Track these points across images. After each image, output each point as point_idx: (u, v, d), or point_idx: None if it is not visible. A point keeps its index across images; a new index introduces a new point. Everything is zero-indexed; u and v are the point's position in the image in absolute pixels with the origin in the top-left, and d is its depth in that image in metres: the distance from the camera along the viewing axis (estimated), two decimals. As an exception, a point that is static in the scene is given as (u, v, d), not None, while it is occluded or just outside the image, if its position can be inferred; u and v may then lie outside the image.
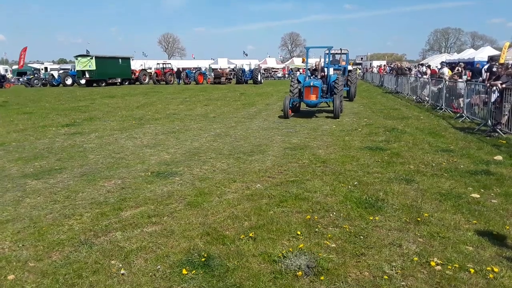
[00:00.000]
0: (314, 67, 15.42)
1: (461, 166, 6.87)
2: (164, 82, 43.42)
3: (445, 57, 44.17)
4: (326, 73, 15.10)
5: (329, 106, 16.30)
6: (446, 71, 19.84)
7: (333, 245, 3.93)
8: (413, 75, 23.62)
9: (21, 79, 49.76)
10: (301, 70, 63.84)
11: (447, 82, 15.21)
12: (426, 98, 17.93)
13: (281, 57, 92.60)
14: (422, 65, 31.65)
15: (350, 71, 22.02)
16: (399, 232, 4.25)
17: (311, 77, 14.71)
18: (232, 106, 18.09)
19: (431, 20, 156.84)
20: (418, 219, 4.57)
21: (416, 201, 5.17)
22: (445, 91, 15.05)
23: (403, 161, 7.24)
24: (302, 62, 20.43)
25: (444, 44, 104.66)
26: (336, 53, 23.37)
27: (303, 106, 15.25)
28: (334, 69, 20.39)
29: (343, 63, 22.75)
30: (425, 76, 20.25)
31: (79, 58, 38.58)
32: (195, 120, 13.50)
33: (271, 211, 4.87)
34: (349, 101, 19.58)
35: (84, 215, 4.80)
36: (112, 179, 6.34)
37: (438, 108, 15.27)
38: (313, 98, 13.57)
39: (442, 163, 7.08)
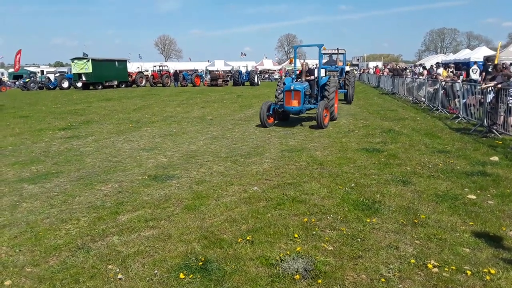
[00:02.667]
0: (302, 69, 13.61)
1: (458, 167, 6.89)
2: (161, 85, 43.42)
3: (441, 57, 44.34)
4: (316, 75, 13.29)
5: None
6: (441, 71, 19.95)
7: (330, 248, 3.94)
8: (409, 76, 23.73)
9: (17, 83, 49.61)
10: (297, 71, 63.99)
11: (443, 83, 15.27)
12: (423, 99, 17.99)
13: (278, 59, 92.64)
14: (420, 65, 31.74)
15: (347, 72, 20.94)
16: (396, 234, 4.26)
17: (298, 80, 13.04)
18: (229, 108, 18.10)
19: (426, 20, 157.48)
20: (415, 221, 4.59)
21: (413, 202, 5.18)
22: (441, 92, 15.11)
23: (400, 163, 7.26)
24: (290, 63, 17.51)
25: (440, 45, 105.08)
26: (333, 53, 22.09)
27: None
28: (330, 71, 19.61)
29: (340, 64, 21.33)
30: (421, 77, 20.31)
31: (75, 61, 38.49)
32: (192, 122, 13.50)
33: (268, 214, 4.88)
34: (347, 104, 19.11)
35: (81, 220, 4.80)
36: (109, 183, 6.33)
37: (435, 109, 15.32)
38: (294, 104, 11.91)
39: (438, 164, 7.11)
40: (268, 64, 68.32)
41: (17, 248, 4.08)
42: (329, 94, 12.77)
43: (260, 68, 60.76)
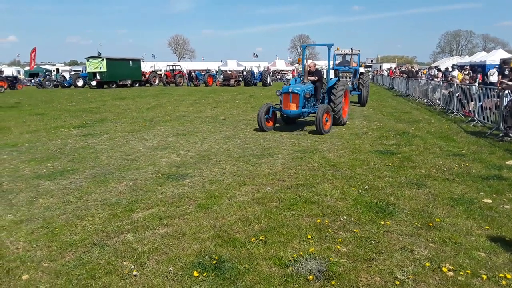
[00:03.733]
0: (309, 69, 12.64)
1: (473, 171, 6.81)
2: (173, 84, 43.68)
3: (457, 60, 43.77)
4: (323, 76, 12.54)
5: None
6: (456, 73, 19.70)
7: (344, 250, 3.93)
8: (423, 78, 23.48)
9: (32, 81, 50.42)
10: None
11: (458, 85, 15.09)
12: (437, 101, 17.80)
13: (290, 59, 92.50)
14: (435, 67, 31.36)
15: (362, 73, 20.27)
16: (411, 237, 4.23)
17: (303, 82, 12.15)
18: (241, 109, 18.14)
19: (441, 22, 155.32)
20: (430, 224, 4.55)
21: (427, 206, 5.14)
22: (456, 95, 14.93)
23: (414, 165, 7.20)
24: (298, 63, 16.54)
25: (455, 47, 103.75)
26: (347, 54, 21.36)
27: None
28: (343, 72, 19.53)
29: (354, 65, 20.68)
30: (436, 79, 20.09)
31: (90, 60, 38.96)
32: (205, 122, 13.57)
33: (281, 214, 4.88)
34: (361, 106, 18.55)
35: (96, 216, 4.86)
36: (123, 181, 6.40)
37: (450, 111, 15.14)
38: (293, 107, 11.18)
39: (453, 168, 7.03)
40: (280, 64, 68.25)
41: (34, 243, 4.15)
42: (336, 98, 11.99)
43: (272, 68, 60.69)
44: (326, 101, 12.19)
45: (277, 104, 11.79)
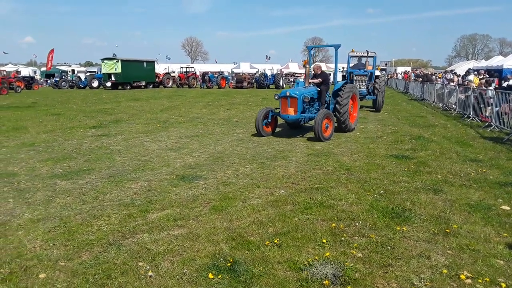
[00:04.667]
0: (313, 72, 11.95)
1: (490, 177, 6.69)
2: (187, 86, 43.94)
3: (473, 64, 43.17)
4: (328, 79, 11.85)
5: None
6: (472, 77, 19.43)
7: (359, 255, 3.89)
8: (439, 82, 23.21)
9: (49, 81, 51.24)
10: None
11: (474, 90, 14.87)
12: (453, 106, 17.57)
13: (303, 62, 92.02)
14: (451, 71, 30.99)
15: (377, 76, 19.01)
16: (428, 243, 4.17)
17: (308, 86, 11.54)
18: (254, 111, 18.12)
19: (458, 25, 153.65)
20: (447, 230, 4.48)
21: (444, 212, 5.07)
22: (472, 99, 14.72)
23: (430, 171, 7.10)
24: (304, 65, 14.76)
25: (471, 51, 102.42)
26: (362, 56, 20.16)
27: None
28: (358, 75, 18.88)
29: (370, 68, 19.50)
30: (452, 84, 19.84)
31: (105, 61, 39.42)
32: (218, 124, 13.61)
33: (295, 218, 4.86)
34: (376, 112, 17.79)
35: (112, 216, 4.90)
36: (138, 181, 6.45)
37: (466, 116, 14.93)
38: (290, 112, 10.58)
39: (470, 174, 6.92)
40: (293, 67, 68.14)
41: (51, 242, 4.20)
42: (342, 101, 11.28)
43: (285, 71, 60.68)
44: (331, 106, 11.63)
45: (277, 108, 11.27)
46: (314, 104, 11.32)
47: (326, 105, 11.60)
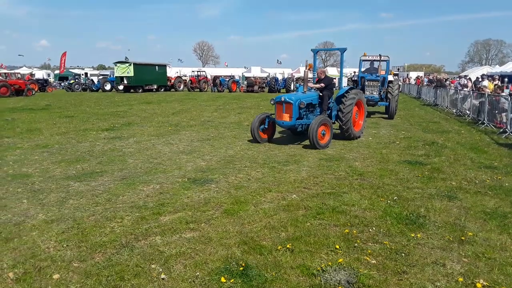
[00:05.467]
0: (317, 77, 11.48)
1: (506, 184, 6.58)
2: (198, 89, 44.16)
3: (487, 69, 42.68)
4: (332, 84, 11.24)
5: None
6: (487, 83, 19.19)
7: (373, 261, 3.84)
8: (452, 87, 22.96)
9: (62, 84, 51.94)
10: (335, 79, 63.14)
11: (489, 96, 14.67)
12: (467, 111, 17.36)
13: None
14: (465, 77, 30.65)
15: (390, 81, 18.18)
16: (443, 251, 4.11)
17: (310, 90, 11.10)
18: (265, 115, 18.12)
19: (471, 30, 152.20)
20: (462, 238, 4.41)
21: (459, 219, 4.99)
22: (487, 105, 14.52)
23: (445, 177, 7.01)
24: (308, 69, 13.41)
25: (485, 56, 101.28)
26: (374, 60, 19.10)
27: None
28: (370, 80, 17.89)
29: (383, 72, 18.55)
30: (465, 89, 19.61)
31: (118, 65, 39.85)
32: (229, 128, 13.62)
33: (308, 222, 4.83)
34: (389, 119, 16.99)
35: (125, 218, 4.92)
36: (150, 184, 6.47)
37: (480, 122, 14.73)
38: (286, 118, 10.13)
39: (485, 180, 6.81)
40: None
41: (65, 243, 4.23)
42: (344, 110, 10.75)
43: (296, 75, 60.62)
44: (334, 112, 11.21)
45: (273, 114, 10.80)
46: (315, 110, 10.90)
47: (329, 111, 11.17)
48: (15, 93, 31.78)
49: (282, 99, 10.17)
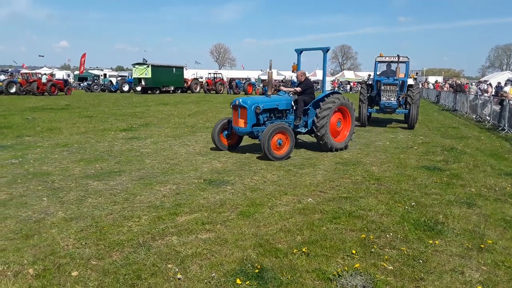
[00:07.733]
0: (297, 79, 10.51)
1: (528, 192, 6.43)
2: (214, 92, 44.42)
3: (508, 75, 41.77)
4: (310, 88, 10.13)
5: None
6: (508, 89, 18.78)
7: (390, 267, 3.80)
8: (472, 92, 22.57)
9: (81, 84, 52.88)
10: (351, 83, 62.88)
11: (510, 101, 14.37)
12: (487, 117, 17.03)
13: (331, 70, 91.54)
14: (485, 82, 30.07)
15: (410, 86, 15.79)
16: (461, 258, 4.04)
17: (288, 93, 10.17)
18: (281, 118, 18.09)
19: (492, 35, 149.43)
20: (481, 245, 4.32)
21: (478, 226, 4.89)
22: (508, 111, 14.23)
23: (464, 184, 6.89)
24: (293, 71, 12.06)
25: (505, 61, 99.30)
26: (392, 61, 16.53)
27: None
28: (386, 84, 15.53)
29: (402, 76, 15.86)
30: (486, 94, 19.25)
31: (136, 66, 40.41)
32: (246, 130, 13.61)
33: (324, 227, 4.80)
34: (408, 128, 14.95)
35: (142, 218, 4.98)
36: (167, 184, 6.53)
37: (500, 128, 14.43)
38: (241, 124, 9.13)
39: (506, 188, 6.67)
40: (320, 74, 67.75)
41: (83, 241, 4.30)
42: (319, 115, 9.53)
43: (312, 78, 60.40)
44: (311, 119, 9.93)
45: None
46: (286, 117, 9.78)
47: (306, 118, 10.00)
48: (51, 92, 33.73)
49: (237, 102, 9.22)
